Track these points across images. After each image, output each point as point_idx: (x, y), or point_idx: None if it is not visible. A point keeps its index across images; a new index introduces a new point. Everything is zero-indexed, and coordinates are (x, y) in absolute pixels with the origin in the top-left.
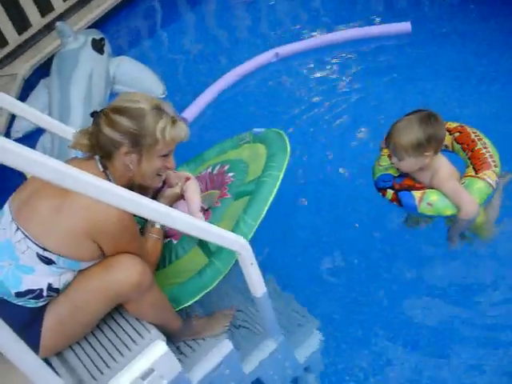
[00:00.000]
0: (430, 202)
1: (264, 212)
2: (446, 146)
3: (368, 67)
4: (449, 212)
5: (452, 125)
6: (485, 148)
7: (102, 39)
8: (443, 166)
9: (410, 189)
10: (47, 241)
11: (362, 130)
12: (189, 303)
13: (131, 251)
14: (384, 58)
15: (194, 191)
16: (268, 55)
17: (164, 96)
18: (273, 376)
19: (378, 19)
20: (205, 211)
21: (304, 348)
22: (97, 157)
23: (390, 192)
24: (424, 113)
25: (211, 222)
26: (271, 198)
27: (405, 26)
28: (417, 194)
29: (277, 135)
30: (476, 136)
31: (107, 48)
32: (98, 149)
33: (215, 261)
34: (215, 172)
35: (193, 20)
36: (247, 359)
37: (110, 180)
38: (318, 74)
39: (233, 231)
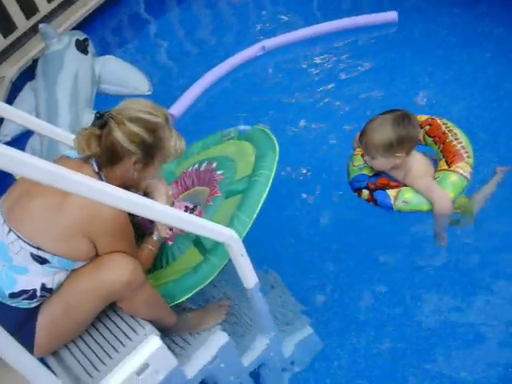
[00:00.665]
0: (404, 199)
1: (258, 209)
2: (419, 140)
3: (355, 58)
4: (425, 207)
5: (422, 117)
6: (456, 139)
7: (85, 39)
8: (416, 163)
9: (384, 188)
10: (41, 240)
11: (350, 122)
12: (183, 299)
13: (125, 250)
14: (371, 49)
15: (160, 193)
16: (255, 49)
17: (150, 93)
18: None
19: (364, 9)
20: (192, 209)
21: (291, 342)
22: (90, 159)
23: (365, 192)
24: (398, 113)
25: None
26: (264, 196)
27: (391, 16)
28: (391, 192)
29: (264, 134)
30: (447, 128)
31: (91, 48)
32: (103, 153)
33: (210, 257)
34: (202, 169)
35: (178, 17)
36: (244, 354)
37: (102, 180)
38: (306, 66)
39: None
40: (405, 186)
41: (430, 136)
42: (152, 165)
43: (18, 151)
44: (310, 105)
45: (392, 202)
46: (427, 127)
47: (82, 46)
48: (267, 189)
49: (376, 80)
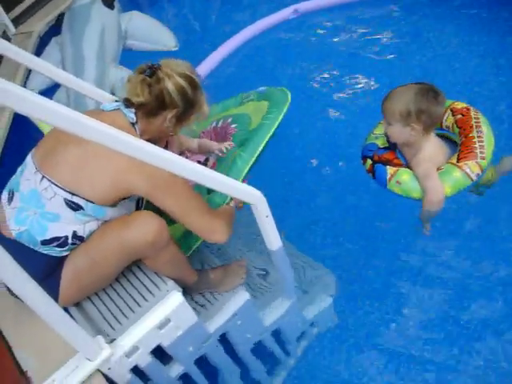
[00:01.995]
0: (399, 180)
1: (260, 147)
2: (448, 127)
3: (392, 28)
4: (415, 195)
5: (458, 105)
6: (478, 137)
7: None
8: (428, 147)
9: (386, 163)
10: (76, 185)
11: (376, 93)
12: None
13: (174, 205)
14: (414, 18)
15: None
16: (287, 11)
17: (176, 49)
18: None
19: None
20: (204, 162)
21: (314, 306)
22: (128, 110)
23: (368, 162)
24: (426, 86)
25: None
26: (268, 136)
27: None
28: (390, 170)
29: (280, 91)
30: (476, 122)
31: (117, 3)
32: (151, 101)
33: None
34: (219, 125)
35: None
36: (264, 314)
37: (136, 132)
38: (339, 33)
39: (230, 168)
40: (408, 167)
41: (458, 126)
42: (185, 121)
43: (56, 103)
44: (336, 75)
45: (387, 178)
46: (459, 116)
47: (108, 1)
48: (272, 129)
49: (415, 50)
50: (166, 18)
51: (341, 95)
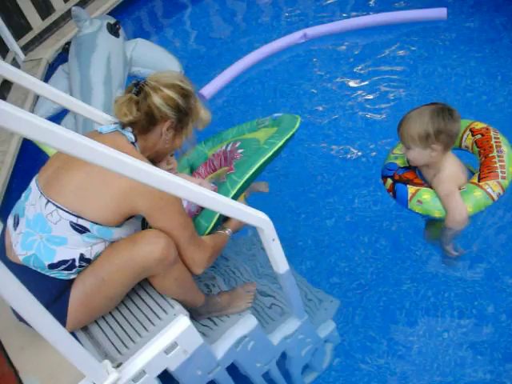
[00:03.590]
0: (420, 199)
1: (251, 171)
2: (467, 147)
3: (399, 53)
4: (437, 214)
5: (478, 125)
6: (499, 157)
7: (116, 23)
8: (449, 166)
9: (407, 182)
10: (82, 207)
11: (389, 116)
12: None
13: (173, 227)
14: (417, 45)
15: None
16: (296, 36)
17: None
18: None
19: (410, 3)
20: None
21: (325, 326)
22: (124, 130)
23: (389, 181)
24: (440, 106)
25: None
26: (263, 160)
27: (440, 12)
28: (411, 189)
29: (290, 118)
30: (496, 143)
31: (122, 31)
32: (141, 118)
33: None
34: (228, 149)
35: (215, 2)
36: (271, 336)
37: (137, 151)
38: (346, 58)
39: (219, 188)
40: (429, 187)
41: (477, 146)
42: (185, 131)
43: (59, 126)
44: (346, 97)
45: (409, 198)
46: (478, 136)
47: (113, 29)
48: (269, 154)
49: (419, 76)
50: (170, 44)
51: (351, 119)
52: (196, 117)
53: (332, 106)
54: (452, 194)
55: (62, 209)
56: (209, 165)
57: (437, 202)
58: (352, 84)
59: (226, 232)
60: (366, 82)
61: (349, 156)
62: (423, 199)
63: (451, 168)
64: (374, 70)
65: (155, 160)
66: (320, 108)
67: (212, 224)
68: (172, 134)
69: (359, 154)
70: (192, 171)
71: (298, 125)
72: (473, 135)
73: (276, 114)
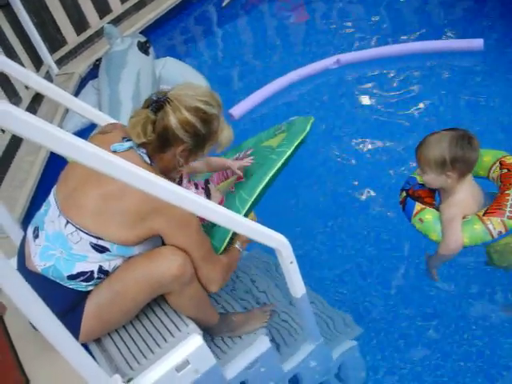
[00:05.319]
0: (422, 218)
1: (259, 187)
2: (493, 179)
3: (432, 83)
4: (433, 236)
5: (509, 159)
6: None
7: (146, 41)
8: (460, 193)
9: (417, 199)
10: (100, 230)
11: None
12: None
13: (189, 245)
14: (450, 74)
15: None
16: (329, 61)
17: None
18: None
19: (448, 33)
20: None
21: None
22: (139, 149)
23: (403, 194)
24: (460, 132)
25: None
26: (272, 172)
27: (477, 43)
28: (418, 206)
29: (302, 120)
30: None
31: (152, 50)
32: (155, 139)
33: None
34: (240, 156)
35: (248, 24)
36: (285, 360)
37: (153, 169)
38: (377, 86)
39: (229, 207)
40: (437, 208)
41: (500, 181)
42: (200, 153)
43: (83, 140)
44: (375, 126)
45: (413, 214)
46: (504, 171)
47: (143, 47)
48: (278, 165)
49: (451, 108)
50: (200, 63)
51: (376, 145)
52: (215, 140)
53: (359, 131)
54: (453, 221)
55: (81, 230)
56: (222, 173)
57: (437, 225)
58: (382, 111)
59: (237, 247)
60: (397, 110)
61: (374, 180)
62: (425, 218)
63: (461, 195)
64: (405, 98)
65: (165, 171)
66: (348, 135)
67: (224, 245)
68: (188, 155)
69: (386, 177)
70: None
71: (309, 127)
72: (500, 168)
73: (292, 118)
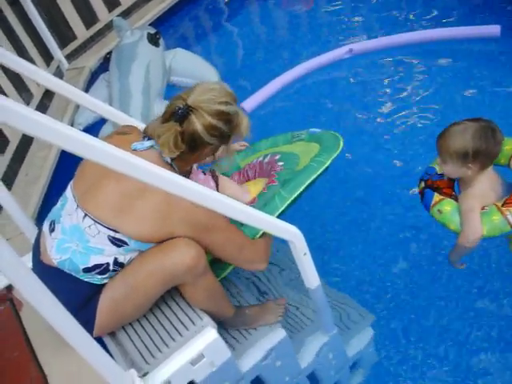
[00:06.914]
0: (441, 209)
1: (300, 188)
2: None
3: (447, 71)
4: (452, 227)
5: None
6: None
7: (156, 33)
8: (478, 184)
9: (436, 190)
10: (121, 224)
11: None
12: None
13: (219, 244)
14: (466, 63)
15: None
16: (341, 51)
17: None
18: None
19: (464, 20)
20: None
21: (355, 343)
22: (160, 148)
23: (421, 185)
24: (484, 124)
25: (256, 207)
26: (312, 178)
27: (493, 30)
28: (436, 197)
29: (332, 136)
30: None
31: (162, 41)
32: (183, 147)
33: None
34: (266, 160)
35: (258, 15)
36: (300, 353)
37: (175, 170)
38: (392, 75)
39: (268, 204)
40: (456, 199)
41: None
42: (220, 148)
43: (100, 140)
44: (389, 115)
45: (431, 205)
46: None
47: (153, 39)
48: (317, 172)
49: (467, 96)
50: (210, 54)
51: (391, 134)
52: (237, 132)
53: (374, 123)
54: (472, 212)
55: (100, 223)
56: (243, 174)
57: (455, 216)
58: (397, 101)
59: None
60: (412, 99)
61: (390, 170)
62: (443, 209)
63: (481, 186)
64: (420, 86)
65: (185, 169)
66: (361, 126)
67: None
68: (211, 154)
69: (402, 167)
70: None
71: (341, 145)
72: None
73: (313, 130)
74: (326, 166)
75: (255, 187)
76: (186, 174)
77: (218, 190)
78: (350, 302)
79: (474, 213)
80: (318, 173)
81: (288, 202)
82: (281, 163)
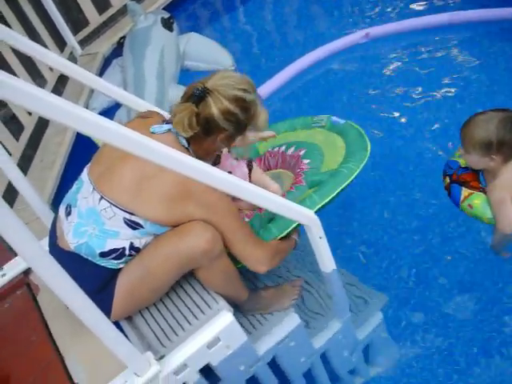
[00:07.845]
0: (471, 204)
1: (333, 193)
2: None
3: (468, 55)
4: (486, 220)
5: None
6: None
7: (170, 17)
8: (505, 173)
9: (463, 184)
10: (136, 206)
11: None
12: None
13: (226, 228)
14: (490, 47)
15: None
16: (357, 35)
17: (233, 68)
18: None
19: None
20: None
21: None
22: (177, 132)
23: (447, 180)
24: (508, 114)
25: None
26: (344, 185)
27: None
28: (465, 192)
29: (357, 132)
30: None
31: (176, 26)
32: (198, 128)
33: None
34: (289, 153)
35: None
36: (314, 336)
37: (191, 153)
38: (410, 60)
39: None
40: (484, 191)
41: None
42: (237, 137)
43: (116, 123)
44: (407, 100)
45: (461, 200)
46: None
47: (167, 24)
48: (349, 180)
49: (491, 82)
50: (224, 38)
51: (411, 122)
52: (254, 124)
53: (391, 109)
54: (502, 203)
55: (115, 206)
56: (263, 162)
57: (486, 209)
58: (416, 86)
59: (293, 236)
60: (431, 84)
61: (410, 156)
62: (474, 204)
63: (508, 175)
64: (440, 71)
65: (202, 155)
66: (378, 111)
67: (283, 234)
68: (226, 142)
69: (422, 153)
70: None
71: (369, 149)
72: None
73: (335, 119)
74: (358, 172)
75: (281, 180)
76: (216, 160)
77: (250, 179)
78: (361, 285)
79: (505, 204)
80: (350, 180)
81: (318, 207)
82: (306, 161)
